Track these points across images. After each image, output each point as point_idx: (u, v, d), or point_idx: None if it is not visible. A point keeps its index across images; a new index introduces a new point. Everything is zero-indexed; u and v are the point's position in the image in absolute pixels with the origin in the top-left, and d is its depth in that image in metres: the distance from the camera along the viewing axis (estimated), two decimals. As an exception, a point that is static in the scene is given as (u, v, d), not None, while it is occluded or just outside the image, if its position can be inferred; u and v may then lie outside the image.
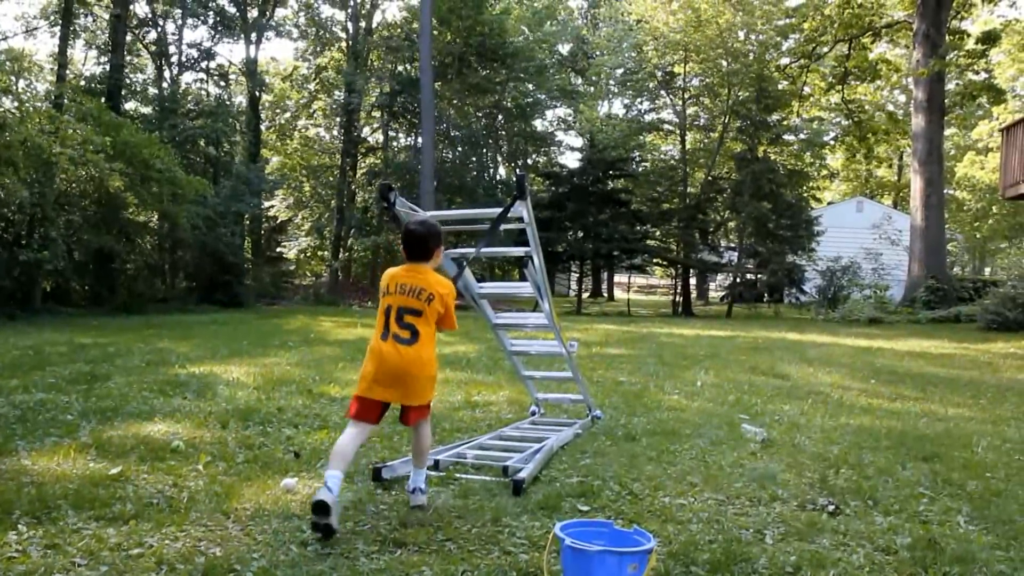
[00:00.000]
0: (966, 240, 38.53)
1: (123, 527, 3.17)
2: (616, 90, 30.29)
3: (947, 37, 21.20)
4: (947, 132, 29.26)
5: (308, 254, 32.58)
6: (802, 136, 27.56)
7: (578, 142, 36.88)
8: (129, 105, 23.63)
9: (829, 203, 34.57)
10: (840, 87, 27.05)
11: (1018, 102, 31.10)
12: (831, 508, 3.68)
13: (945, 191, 27.17)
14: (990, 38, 22.25)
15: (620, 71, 27.83)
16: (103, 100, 18.73)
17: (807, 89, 27.52)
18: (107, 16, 22.94)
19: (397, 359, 3.43)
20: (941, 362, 10.38)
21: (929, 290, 19.84)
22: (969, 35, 23.00)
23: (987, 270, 41.85)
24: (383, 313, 3.51)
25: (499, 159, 33.11)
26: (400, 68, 28.74)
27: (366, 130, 32.13)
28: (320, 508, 3.10)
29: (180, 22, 25.40)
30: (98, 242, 16.72)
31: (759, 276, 23.42)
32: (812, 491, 3.98)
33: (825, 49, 26.02)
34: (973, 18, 24.63)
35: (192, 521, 3.27)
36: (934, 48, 20.31)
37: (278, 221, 30.52)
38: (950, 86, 24.25)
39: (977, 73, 24.47)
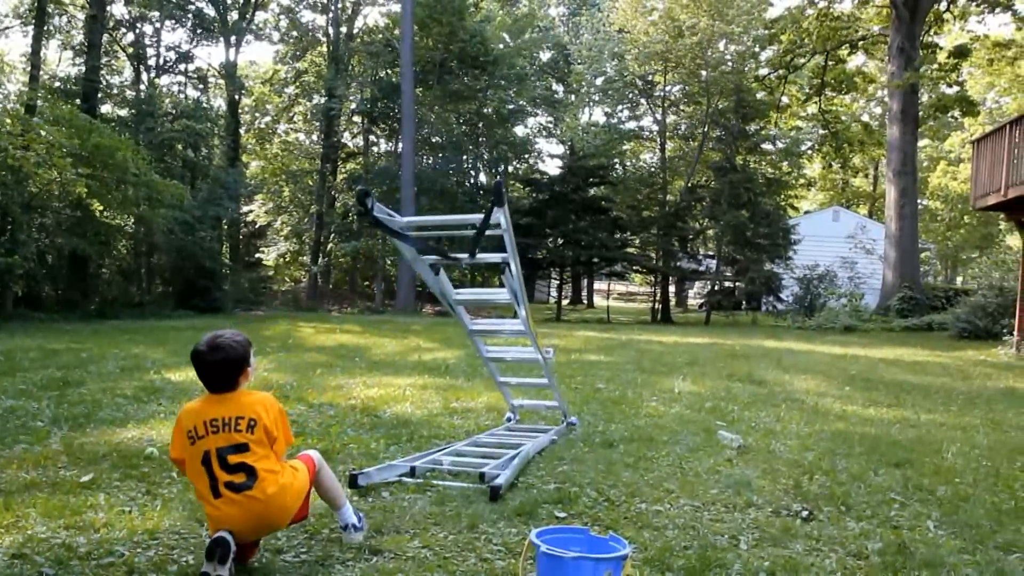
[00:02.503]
0: (939, 249, 39.10)
1: (94, 536, 3.13)
2: (597, 98, 30.45)
3: (920, 51, 21.57)
4: (921, 143, 29.72)
5: (287, 259, 32.44)
6: (780, 145, 27.85)
7: (559, 149, 37.06)
8: (105, 108, 23.43)
9: (806, 212, 34.97)
10: (817, 98, 27.41)
11: (988, 116, 31.64)
12: (805, 514, 3.71)
13: (919, 201, 27.59)
14: (961, 52, 22.67)
15: (601, 79, 27.99)
16: (78, 102, 18.57)
17: (785, 99, 27.85)
18: (83, 17, 22.74)
19: (245, 515, 2.75)
20: (914, 369, 10.51)
21: (903, 299, 20.12)
22: (941, 49, 23.43)
23: (959, 279, 42.47)
24: (201, 464, 2.76)
25: (480, 166, 33.18)
26: (381, 74, 28.73)
27: (346, 135, 32.08)
28: (220, 545, 2.66)
29: (158, 24, 25.23)
30: (71, 246, 16.53)
31: (737, 284, 23.60)
32: (787, 497, 4.01)
33: (802, 60, 26.36)
34: (945, 33, 25.08)
35: (165, 529, 3.24)
36: (908, 61, 20.65)
37: (257, 226, 30.37)
38: (924, 98, 24.66)
39: (950, 86, 24.91)
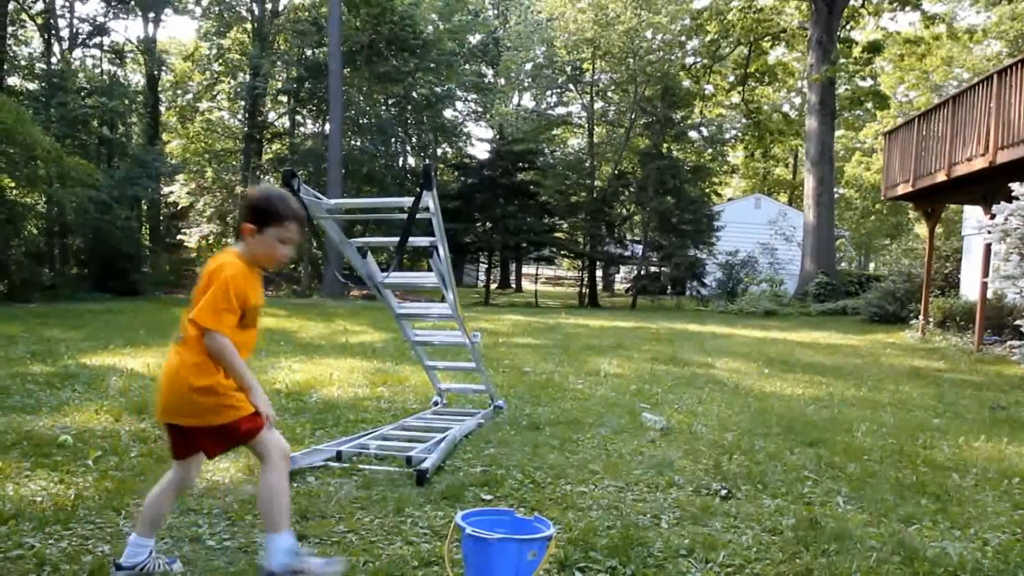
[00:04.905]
0: (853, 237, 40.67)
1: (1, 528, 3.01)
2: (526, 83, 30.49)
3: (837, 45, 22.32)
4: (837, 134, 30.81)
5: (210, 241, 31.46)
6: (704, 133, 28.46)
7: (488, 133, 36.95)
8: (12, 80, 22.21)
9: (729, 199, 35.86)
10: (740, 88, 28.08)
11: (899, 109, 33.01)
12: (724, 493, 3.84)
13: (835, 190, 28.62)
14: (874, 48, 23.55)
15: (530, 65, 28.04)
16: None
17: (710, 89, 28.44)
18: (-13, -16, 21.44)
19: (164, 365, 2.66)
20: (828, 352, 10.95)
21: (819, 284, 20.88)
22: (857, 44, 24.30)
23: (871, 266, 44.31)
24: None
25: (408, 149, 32.83)
26: (308, 53, 28.07)
27: (272, 115, 31.26)
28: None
29: (70, -6, 24.00)
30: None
31: (663, 269, 24.09)
32: (707, 477, 4.14)
33: (727, 51, 26.95)
34: (861, 28, 26.02)
35: (80, 519, 3.14)
36: (826, 54, 21.33)
37: (178, 207, 29.35)
38: (840, 90, 25.54)
39: (864, 79, 25.87)
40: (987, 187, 11.03)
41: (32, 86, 22.35)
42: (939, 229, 15.77)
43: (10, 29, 22.07)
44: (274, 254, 2.67)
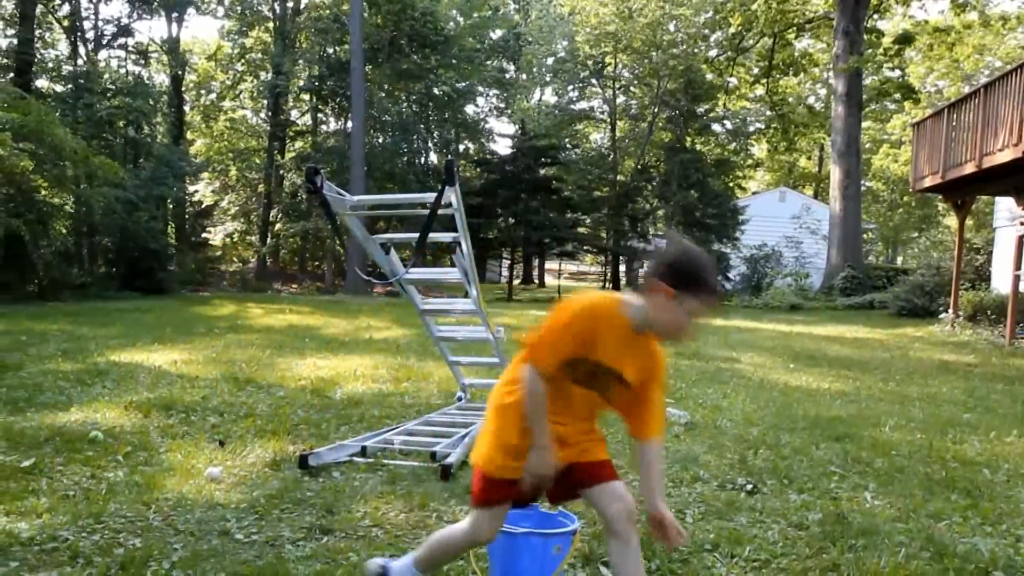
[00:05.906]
0: (880, 230, 40.13)
1: (36, 521, 3.06)
2: (548, 78, 30.41)
3: (864, 35, 22.00)
4: (864, 125, 30.40)
5: (235, 239, 31.79)
6: (728, 126, 28.22)
7: (510, 129, 36.94)
8: (41, 82, 22.56)
9: (754, 193, 35.49)
10: (765, 80, 27.81)
11: (927, 99, 32.49)
12: (749, 487, 3.82)
13: (862, 182, 28.25)
14: (905, 39, 23.19)
15: (551, 60, 27.96)
16: (11, 76, 17.84)
17: (733, 81, 28.18)
18: (15, -13, 21.78)
19: None
20: (855, 346, 10.83)
21: (846, 278, 20.63)
22: (884, 34, 23.94)
23: (899, 259, 43.69)
24: None
25: (430, 146, 32.91)
26: (329, 51, 28.22)
27: (294, 113, 31.48)
28: None
29: (95, -5, 24.32)
30: (4, 225, 15.91)
31: (686, 264, 23.89)
32: (732, 471, 4.12)
33: (751, 43, 26.69)
34: (889, 17, 25.62)
35: (111, 513, 3.19)
36: (853, 44, 21.04)
37: (203, 206, 29.68)
38: (868, 81, 25.19)
39: (892, 71, 25.50)
40: (1019, 178, 10.84)
41: (59, 88, 22.67)
42: (969, 221, 15.52)
43: (37, 32, 22.40)
44: (680, 328, 2.12)
